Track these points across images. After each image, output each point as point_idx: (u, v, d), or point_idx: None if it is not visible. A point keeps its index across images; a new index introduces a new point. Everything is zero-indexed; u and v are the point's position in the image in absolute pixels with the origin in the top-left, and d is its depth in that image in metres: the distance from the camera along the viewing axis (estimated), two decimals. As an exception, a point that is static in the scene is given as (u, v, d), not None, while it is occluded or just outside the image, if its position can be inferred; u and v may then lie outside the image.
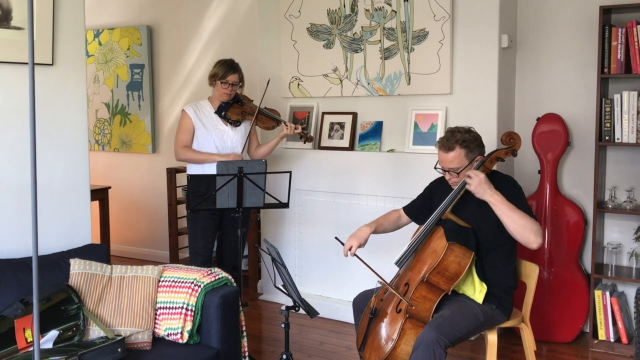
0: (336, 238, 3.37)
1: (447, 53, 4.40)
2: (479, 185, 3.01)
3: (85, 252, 3.34)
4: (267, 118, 4.38)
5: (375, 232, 3.44)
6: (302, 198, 5.06)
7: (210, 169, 4.19)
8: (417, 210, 3.49)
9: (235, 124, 4.34)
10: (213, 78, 4.31)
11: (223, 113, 4.31)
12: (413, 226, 3.52)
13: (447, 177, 3.19)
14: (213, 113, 4.34)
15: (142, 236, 6.77)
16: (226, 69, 4.27)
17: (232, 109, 4.33)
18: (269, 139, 4.63)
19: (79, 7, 3.56)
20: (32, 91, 1.75)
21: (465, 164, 3.12)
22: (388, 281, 3.25)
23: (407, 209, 3.54)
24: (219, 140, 4.29)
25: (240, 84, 4.36)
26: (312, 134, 4.97)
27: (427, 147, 4.45)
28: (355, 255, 3.31)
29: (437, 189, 3.38)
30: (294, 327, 4.48)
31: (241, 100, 4.39)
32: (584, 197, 4.40)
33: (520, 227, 2.97)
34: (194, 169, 4.32)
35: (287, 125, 4.35)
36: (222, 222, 4.39)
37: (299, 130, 4.38)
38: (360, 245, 3.35)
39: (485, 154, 3.21)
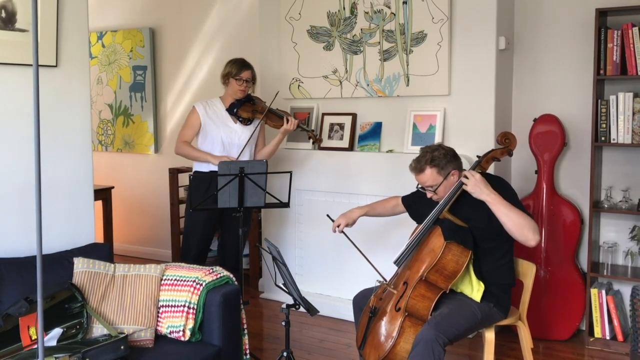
0: (327, 215, 3.65)
1: (445, 55, 4.44)
2: (475, 185, 3.06)
3: (89, 251, 3.37)
4: (275, 116, 4.41)
5: (366, 215, 3.68)
6: (302, 198, 5.10)
7: (215, 167, 4.23)
8: (412, 201, 3.59)
9: (245, 122, 4.39)
10: (227, 77, 4.37)
11: (235, 110, 4.37)
12: (411, 225, 3.56)
13: (429, 194, 3.26)
14: (224, 110, 4.39)
15: (145, 235, 6.81)
16: (240, 66, 4.34)
17: (244, 107, 4.38)
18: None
19: (82, 9, 3.59)
20: (36, 92, 1.76)
21: (440, 181, 3.19)
22: (387, 280, 3.30)
23: (404, 199, 3.66)
24: (227, 137, 4.34)
25: (253, 81, 4.42)
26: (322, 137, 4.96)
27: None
28: (342, 232, 3.57)
29: None
30: (294, 325, 4.51)
31: (253, 100, 4.45)
32: (580, 196, 4.44)
33: (518, 225, 3.01)
34: (198, 166, 4.38)
35: (288, 121, 4.34)
36: (222, 221, 4.43)
37: (296, 123, 4.36)
38: (348, 225, 3.62)
39: (481, 155, 3.26)
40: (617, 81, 4.22)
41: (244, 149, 4.31)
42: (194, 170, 4.43)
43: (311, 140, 4.59)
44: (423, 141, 4.49)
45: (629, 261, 4.23)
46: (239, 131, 4.38)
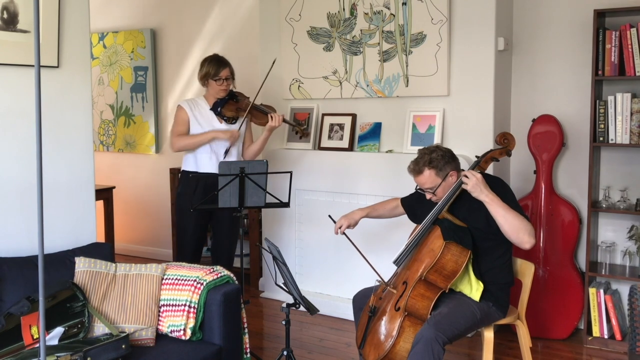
0: (329, 216, 3.64)
1: (445, 56, 4.46)
2: (475, 185, 3.07)
3: (90, 251, 3.39)
4: (260, 113, 4.31)
5: (368, 216, 3.69)
6: (302, 198, 5.12)
7: (204, 168, 4.22)
8: (411, 203, 3.60)
9: (230, 120, 4.30)
10: (205, 78, 4.26)
11: (219, 109, 4.27)
12: (410, 225, 3.58)
13: (428, 196, 3.27)
14: (208, 110, 4.31)
15: (146, 235, 6.83)
16: (217, 66, 4.22)
17: (228, 105, 4.29)
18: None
19: (84, 10, 3.61)
20: (38, 93, 1.78)
21: (439, 182, 3.20)
22: (386, 280, 3.31)
23: (403, 200, 3.67)
24: None
25: (232, 77, 4.30)
26: (310, 130, 4.93)
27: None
28: (344, 234, 3.54)
29: None
30: (294, 324, 4.54)
31: (236, 97, 4.35)
32: (578, 196, 4.46)
33: (515, 227, 3.03)
34: (188, 165, 4.32)
35: (272, 118, 4.23)
36: (213, 221, 4.39)
37: (280, 119, 4.24)
38: (350, 226, 3.62)
39: (480, 155, 3.28)
40: (615, 82, 4.23)
41: (229, 148, 4.25)
42: (182, 169, 4.38)
43: (298, 135, 4.44)
44: (422, 141, 4.51)
45: (627, 260, 4.25)
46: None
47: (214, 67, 4.22)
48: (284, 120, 4.32)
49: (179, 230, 4.38)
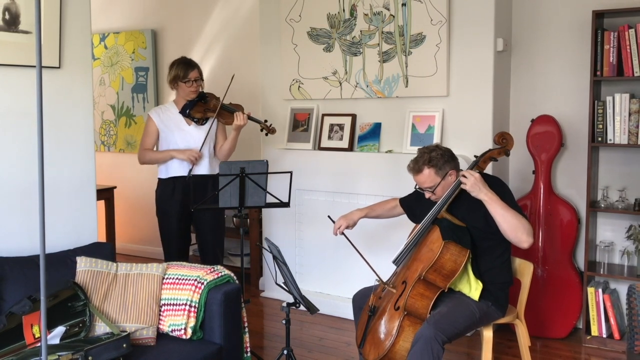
0: (329, 217, 3.65)
1: (444, 56, 4.48)
2: (474, 184, 3.08)
3: (91, 250, 3.40)
4: (227, 112, 4.29)
5: (366, 216, 3.70)
6: (302, 198, 5.14)
7: (175, 172, 4.24)
8: (410, 202, 3.61)
9: (200, 122, 4.30)
10: (174, 80, 4.26)
11: (187, 111, 4.27)
12: (410, 225, 3.60)
13: (427, 195, 3.28)
14: (177, 114, 4.31)
15: (147, 235, 6.84)
16: (185, 68, 4.23)
17: (196, 107, 4.29)
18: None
19: (85, 11, 3.62)
20: (40, 93, 1.79)
21: (438, 181, 3.21)
22: (385, 279, 3.32)
23: (402, 200, 3.67)
24: (181, 140, 4.27)
25: (201, 77, 4.31)
26: (275, 127, 4.67)
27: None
28: (343, 234, 3.55)
29: None
30: (294, 323, 4.54)
31: (205, 98, 4.33)
32: (577, 196, 4.47)
33: (513, 226, 3.04)
34: (161, 173, 4.34)
35: (237, 117, 4.20)
36: (193, 223, 4.40)
37: (245, 118, 4.21)
38: (349, 226, 3.62)
39: (479, 155, 3.29)
40: (614, 82, 4.24)
41: (201, 148, 4.24)
42: (157, 177, 4.38)
43: (264, 132, 4.37)
44: (422, 142, 4.52)
45: (625, 260, 4.27)
46: (194, 133, 4.29)
47: (183, 69, 4.24)
48: (250, 118, 4.29)
49: (162, 233, 4.39)
